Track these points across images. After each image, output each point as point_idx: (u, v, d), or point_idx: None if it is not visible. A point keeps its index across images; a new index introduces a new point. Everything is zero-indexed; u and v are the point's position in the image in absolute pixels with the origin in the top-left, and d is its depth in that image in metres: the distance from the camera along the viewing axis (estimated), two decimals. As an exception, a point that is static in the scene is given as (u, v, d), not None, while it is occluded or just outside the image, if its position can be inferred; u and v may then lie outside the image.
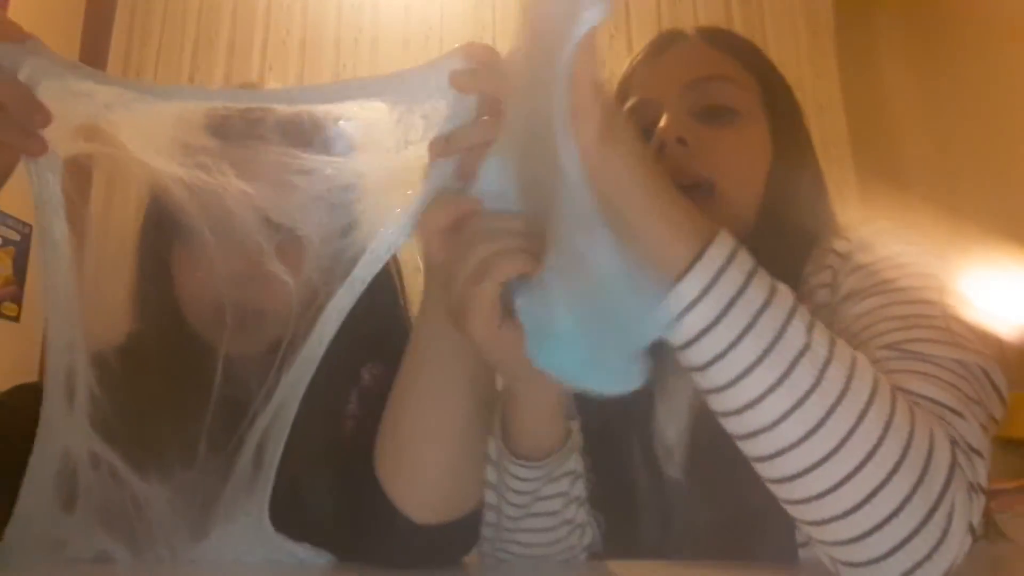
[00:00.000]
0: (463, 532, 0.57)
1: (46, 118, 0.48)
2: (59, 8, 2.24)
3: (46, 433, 0.52)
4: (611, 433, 0.68)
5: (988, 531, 0.72)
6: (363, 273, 0.49)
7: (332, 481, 0.59)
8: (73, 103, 0.49)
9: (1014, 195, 1.80)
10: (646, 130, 0.68)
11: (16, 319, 1.98)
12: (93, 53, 2.31)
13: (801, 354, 0.42)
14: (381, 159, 0.50)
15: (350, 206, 0.51)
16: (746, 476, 0.57)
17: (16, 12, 1.93)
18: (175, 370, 0.60)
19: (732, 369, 0.43)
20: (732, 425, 0.45)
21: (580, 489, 0.63)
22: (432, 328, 0.53)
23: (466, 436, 0.54)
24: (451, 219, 0.47)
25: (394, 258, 0.70)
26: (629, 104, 0.72)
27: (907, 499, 0.42)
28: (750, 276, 0.44)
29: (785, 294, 0.45)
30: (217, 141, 0.51)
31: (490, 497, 0.62)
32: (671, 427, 0.67)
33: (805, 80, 2.26)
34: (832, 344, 0.44)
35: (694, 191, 0.64)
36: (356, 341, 0.53)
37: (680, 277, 0.43)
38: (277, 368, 0.52)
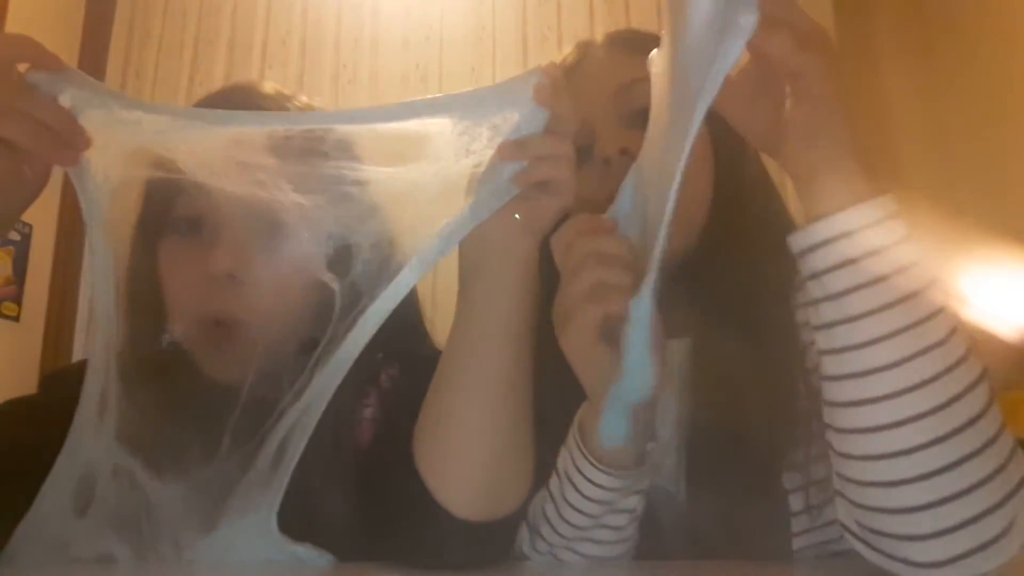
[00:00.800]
0: (504, 532, 0.56)
1: (86, 142, 0.50)
2: (59, 8, 2.24)
3: (74, 447, 0.53)
4: None
5: None
6: (408, 278, 0.51)
7: (352, 485, 0.59)
8: (121, 131, 0.51)
9: (1014, 195, 1.80)
10: (584, 147, 0.66)
11: (16, 319, 1.98)
12: (93, 53, 2.31)
13: (936, 312, 0.43)
14: (437, 168, 0.52)
15: (403, 214, 0.53)
16: (739, 485, 0.57)
17: (16, 12, 1.93)
18: (205, 370, 0.60)
19: (874, 300, 0.43)
20: (843, 364, 0.45)
21: (641, 507, 0.61)
22: (477, 318, 0.54)
23: (512, 429, 0.55)
24: (584, 231, 0.53)
25: None
26: None
27: (990, 478, 0.42)
28: (909, 235, 0.45)
29: (929, 266, 0.46)
30: (276, 160, 0.53)
31: (549, 509, 0.60)
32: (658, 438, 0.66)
33: (805, 80, 2.26)
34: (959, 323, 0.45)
35: None
36: (373, 345, 0.53)
37: (856, 205, 0.45)
38: (311, 367, 0.52)
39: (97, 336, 0.53)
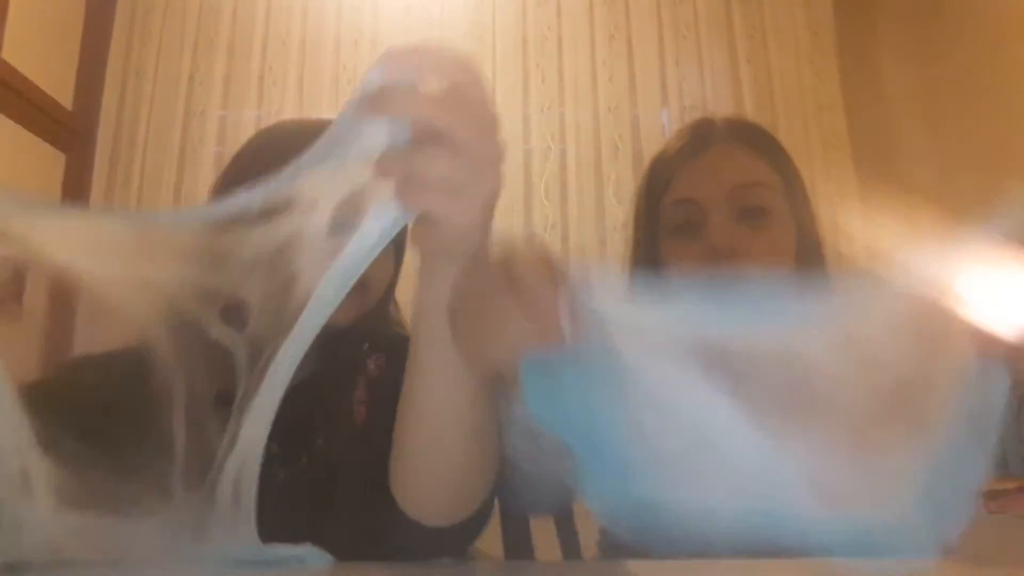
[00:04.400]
0: (473, 526, 0.59)
1: None
2: (59, 8, 2.24)
3: (11, 531, 0.49)
4: None
5: None
6: (312, 319, 0.47)
7: (349, 470, 0.62)
8: None
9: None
10: (689, 223, 0.78)
11: (16, 319, 1.98)
12: (93, 53, 2.31)
13: None
14: (315, 211, 0.48)
15: (290, 261, 0.50)
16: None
17: (16, 12, 1.93)
18: (134, 420, 0.57)
19: None
20: None
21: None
22: (430, 345, 0.52)
23: (471, 445, 0.55)
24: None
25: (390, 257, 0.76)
26: (670, 197, 0.81)
27: None
28: None
29: None
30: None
31: None
32: None
33: (805, 80, 2.26)
34: None
35: None
36: (359, 337, 0.57)
37: None
38: (236, 419, 0.50)
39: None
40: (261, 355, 0.49)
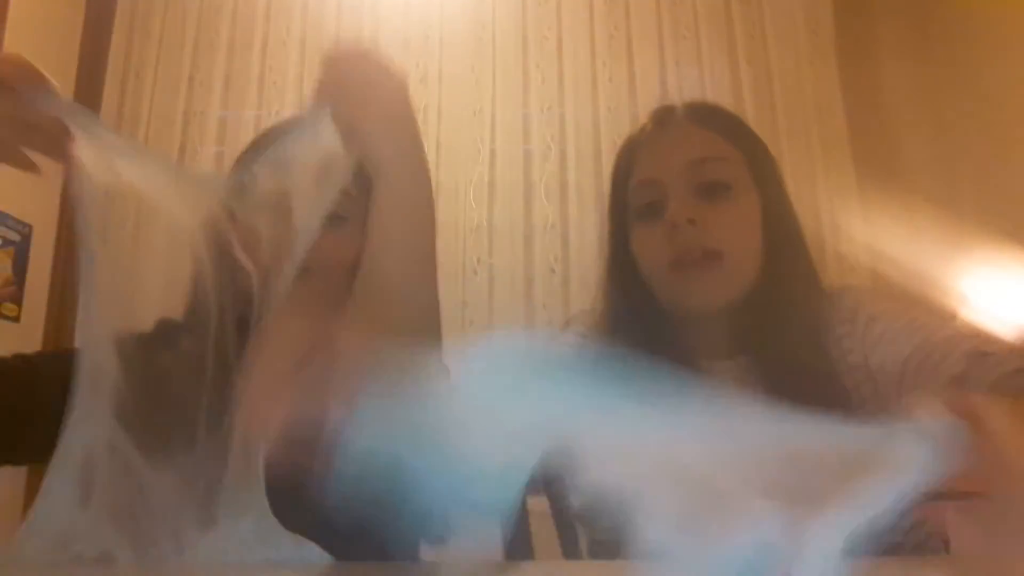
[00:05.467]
0: None
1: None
2: (59, 8, 2.24)
3: (75, 423, 0.60)
4: None
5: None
6: (300, 247, 0.64)
7: None
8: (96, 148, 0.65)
9: (1014, 195, 1.80)
10: (656, 205, 0.79)
11: (16, 319, 1.98)
12: (93, 53, 2.31)
13: None
14: (303, 171, 0.67)
15: (288, 201, 0.67)
16: None
17: (16, 12, 1.93)
18: (180, 359, 0.67)
19: None
20: None
21: None
22: None
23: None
24: None
25: None
26: (634, 181, 0.83)
27: None
28: None
29: None
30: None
31: None
32: None
33: (805, 80, 2.27)
34: None
35: (704, 261, 0.75)
36: None
37: None
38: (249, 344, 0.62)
39: (89, 316, 0.62)
40: (270, 284, 0.64)
